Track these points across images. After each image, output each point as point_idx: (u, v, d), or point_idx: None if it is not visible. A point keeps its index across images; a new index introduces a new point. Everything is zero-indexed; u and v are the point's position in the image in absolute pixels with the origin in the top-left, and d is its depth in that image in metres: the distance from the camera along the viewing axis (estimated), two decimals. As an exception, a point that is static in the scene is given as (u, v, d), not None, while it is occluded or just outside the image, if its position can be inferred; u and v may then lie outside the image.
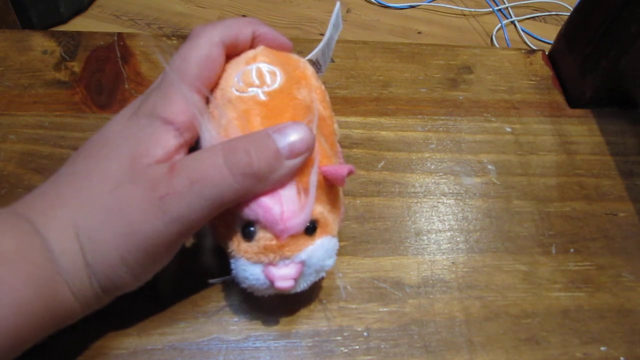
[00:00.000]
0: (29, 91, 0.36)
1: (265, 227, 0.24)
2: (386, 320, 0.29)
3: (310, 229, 0.24)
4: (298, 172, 0.24)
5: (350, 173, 0.24)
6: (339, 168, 0.24)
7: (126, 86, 0.37)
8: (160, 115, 0.24)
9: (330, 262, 0.26)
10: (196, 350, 0.27)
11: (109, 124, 0.25)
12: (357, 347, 0.27)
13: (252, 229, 0.24)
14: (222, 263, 0.30)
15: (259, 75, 0.26)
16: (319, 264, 0.25)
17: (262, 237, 0.24)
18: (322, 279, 0.27)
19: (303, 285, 0.26)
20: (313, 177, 0.24)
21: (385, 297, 0.29)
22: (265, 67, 0.27)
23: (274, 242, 0.24)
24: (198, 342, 0.27)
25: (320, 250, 0.25)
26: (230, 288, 0.29)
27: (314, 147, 0.24)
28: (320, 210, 0.25)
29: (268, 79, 0.26)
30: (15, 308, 0.20)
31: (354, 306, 0.29)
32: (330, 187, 0.26)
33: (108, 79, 0.37)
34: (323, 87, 0.29)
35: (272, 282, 0.24)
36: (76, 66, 0.38)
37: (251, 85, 0.26)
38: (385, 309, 0.29)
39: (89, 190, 0.23)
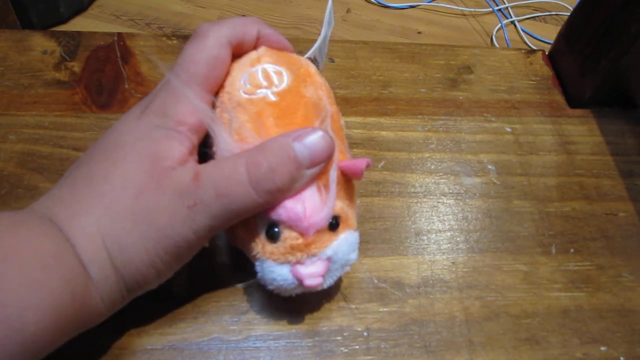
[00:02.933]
0: (29, 91, 0.36)
1: (290, 227, 0.24)
2: (386, 320, 0.29)
3: (334, 224, 0.25)
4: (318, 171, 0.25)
5: (368, 166, 0.24)
6: (357, 162, 0.24)
7: (126, 86, 0.37)
8: (172, 116, 0.24)
9: (354, 256, 0.26)
10: (196, 350, 0.27)
11: (119, 123, 0.25)
12: (357, 347, 0.27)
13: (276, 229, 0.24)
14: (222, 263, 0.30)
15: (265, 77, 0.26)
16: (344, 258, 0.25)
17: (288, 236, 0.24)
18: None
19: (329, 281, 0.26)
20: (333, 173, 0.24)
21: (385, 297, 0.29)
22: (271, 68, 0.27)
23: (300, 240, 0.24)
24: (198, 342, 0.27)
25: (345, 244, 0.25)
26: (230, 288, 0.29)
27: (334, 153, 0.24)
28: (341, 205, 0.25)
29: (275, 80, 0.26)
30: (52, 311, 0.20)
31: (354, 306, 0.29)
32: (347, 182, 0.26)
33: (108, 79, 0.37)
34: (327, 83, 0.29)
35: (300, 281, 0.24)
36: (76, 66, 0.38)
37: (259, 86, 0.26)
38: (385, 309, 0.29)
39: (112, 196, 0.23)
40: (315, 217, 0.24)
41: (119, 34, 0.40)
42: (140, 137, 0.24)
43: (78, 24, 1.05)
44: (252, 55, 0.28)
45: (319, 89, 0.28)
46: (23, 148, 0.33)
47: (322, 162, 0.24)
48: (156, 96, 0.25)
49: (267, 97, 0.26)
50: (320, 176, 0.24)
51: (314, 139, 0.23)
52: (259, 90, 0.26)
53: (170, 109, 0.24)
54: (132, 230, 0.22)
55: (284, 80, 0.26)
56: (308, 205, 0.24)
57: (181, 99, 0.24)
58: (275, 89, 0.26)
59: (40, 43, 0.39)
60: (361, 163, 0.24)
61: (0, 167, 0.32)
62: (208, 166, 0.23)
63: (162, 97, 0.25)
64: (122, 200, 0.23)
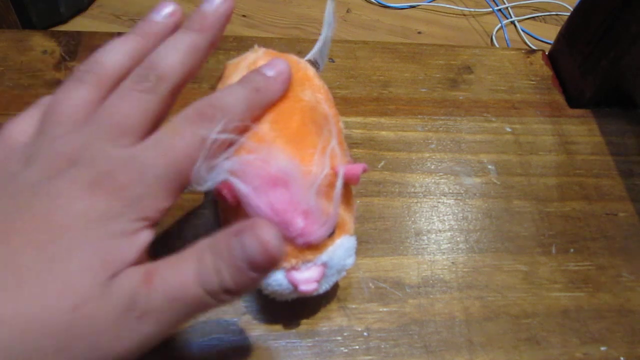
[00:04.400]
0: (29, 91, 0.36)
1: (285, 239, 0.23)
2: (386, 320, 0.29)
3: None
4: (323, 184, 0.24)
5: (364, 171, 0.24)
6: (353, 167, 0.24)
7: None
8: (141, 209, 0.20)
9: (350, 261, 0.26)
10: (196, 350, 0.27)
11: (55, 188, 0.19)
12: (357, 347, 0.27)
13: None
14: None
15: None
16: (340, 263, 0.25)
17: (283, 242, 0.23)
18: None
19: (325, 286, 0.25)
20: (337, 191, 0.24)
21: (385, 297, 0.29)
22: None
23: (294, 246, 0.23)
24: (198, 342, 0.27)
25: (341, 250, 0.25)
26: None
27: (279, 260, 0.19)
28: None
29: None
30: None
31: (354, 306, 0.29)
32: (344, 186, 0.26)
33: (108, 79, 0.37)
34: (325, 86, 0.29)
35: (295, 287, 0.24)
36: (76, 66, 0.38)
37: None
38: (385, 309, 0.29)
39: (43, 304, 0.17)
40: (313, 235, 0.23)
41: (119, 34, 0.40)
42: (91, 227, 0.19)
43: (78, 24, 1.04)
44: (250, 58, 0.28)
45: (317, 92, 0.28)
46: (23, 148, 0.33)
47: (265, 268, 0.19)
48: (120, 168, 0.20)
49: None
50: (327, 190, 0.24)
51: (253, 238, 0.19)
52: None
53: (143, 199, 0.20)
54: (61, 352, 0.17)
55: None
56: (309, 222, 0.23)
57: (158, 194, 0.20)
58: None
59: (40, 43, 0.39)
60: (357, 168, 0.24)
61: (0, 167, 0.32)
62: (161, 266, 0.19)
63: (129, 175, 0.20)
64: (56, 313, 0.17)
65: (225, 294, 0.19)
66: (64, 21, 1.05)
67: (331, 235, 0.25)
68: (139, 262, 0.19)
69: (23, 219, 0.18)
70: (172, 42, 0.23)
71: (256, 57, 0.28)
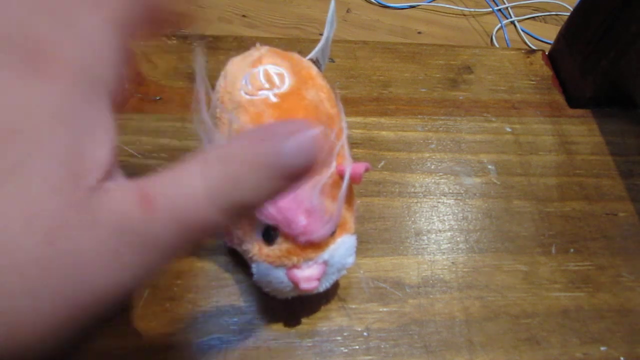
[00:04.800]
0: (29, 91, 0.36)
1: (287, 237, 0.23)
2: (386, 320, 0.29)
3: None
4: (327, 183, 0.24)
5: (367, 170, 0.24)
6: (356, 166, 0.24)
7: (126, 86, 0.37)
8: (98, 81, 0.15)
9: (351, 260, 0.26)
10: (196, 350, 0.27)
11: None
12: (357, 347, 0.27)
13: (272, 232, 0.24)
14: (224, 262, 0.30)
15: (267, 78, 0.26)
16: (341, 262, 0.25)
17: (284, 240, 0.24)
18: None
19: (325, 284, 0.26)
20: (343, 191, 0.24)
21: (385, 297, 0.29)
22: (272, 69, 0.27)
23: (296, 244, 0.24)
24: (198, 342, 0.27)
25: (342, 248, 0.25)
26: (230, 288, 0.29)
27: (316, 161, 0.17)
28: None
29: (277, 81, 0.26)
30: None
31: (354, 306, 0.29)
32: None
33: (108, 79, 0.37)
34: (328, 85, 0.29)
35: (296, 285, 0.24)
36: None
37: (261, 88, 0.26)
38: (385, 309, 0.29)
39: (3, 239, 0.13)
40: (316, 234, 0.23)
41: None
42: (42, 125, 0.13)
43: (78, 24, 1.04)
44: (254, 55, 0.28)
45: (320, 91, 0.28)
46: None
47: (308, 172, 0.16)
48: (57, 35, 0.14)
49: (269, 99, 0.26)
50: (330, 189, 0.24)
51: (301, 141, 0.15)
52: (260, 92, 0.26)
53: (95, 68, 0.15)
54: (24, 297, 0.13)
55: (285, 82, 0.26)
56: (312, 220, 0.23)
57: (105, 50, 0.15)
58: (276, 91, 0.26)
59: (40, 43, 0.39)
60: (360, 168, 0.24)
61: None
62: (158, 182, 0.15)
63: (76, 43, 0.15)
64: (22, 249, 0.13)
65: (241, 209, 0.15)
66: (64, 21, 1.05)
67: (333, 234, 0.25)
68: (112, 174, 0.15)
69: None
70: None
71: (260, 54, 0.28)
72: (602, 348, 0.29)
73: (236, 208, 0.15)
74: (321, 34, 0.31)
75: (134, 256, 0.14)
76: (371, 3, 1.15)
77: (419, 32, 1.11)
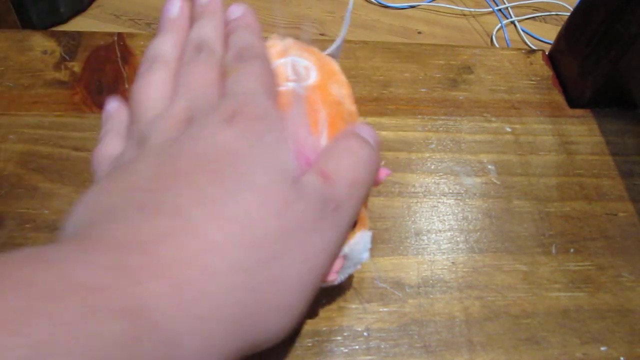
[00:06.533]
0: (29, 91, 0.36)
1: None
2: (386, 320, 0.29)
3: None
4: None
5: (386, 176, 0.25)
6: (379, 171, 0.25)
7: (126, 86, 0.37)
8: (275, 116, 0.21)
9: (366, 255, 0.26)
10: (196, 350, 0.27)
11: (194, 135, 0.20)
12: (357, 347, 0.27)
13: None
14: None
15: (294, 70, 0.26)
16: (358, 256, 0.25)
17: None
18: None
19: (341, 277, 0.26)
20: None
21: (385, 297, 0.29)
22: (299, 62, 0.27)
23: None
24: (198, 342, 0.27)
25: (360, 243, 0.25)
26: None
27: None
28: None
29: (303, 74, 0.26)
30: None
31: (354, 306, 0.29)
32: None
33: (108, 79, 0.37)
34: (348, 82, 0.29)
35: None
36: (76, 66, 0.38)
37: (287, 79, 0.26)
38: (385, 309, 0.29)
39: (247, 220, 0.18)
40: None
41: (119, 34, 0.40)
42: (250, 145, 0.19)
43: (78, 24, 1.05)
44: (279, 46, 0.27)
45: (342, 87, 0.28)
46: (23, 148, 0.33)
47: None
48: (238, 102, 0.21)
49: (296, 91, 0.25)
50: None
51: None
52: (287, 83, 0.26)
53: (272, 110, 0.21)
54: (272, 262, 0.18)
55: (311, 75, 0.26)
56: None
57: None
58: (304, 84, 0.26)
59: (40, 43, 0.39)
60: (382, 173, 0.25)
61: (0, 167, 0.32)
62: (322, 160, 0.21)
63: (256, 101, 0.21)
64: (262, 224, 0.18)
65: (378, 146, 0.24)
66: (64, 21, 1.05)
67: (353, 228, 0.25)
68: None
69: (164, 162, 0.19)
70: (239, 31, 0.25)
71: (285, 45, 0.27)
72: (602, 348, 0.29)
73: (375, 166, 0.23)
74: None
75: (336, 216, 0.20)
76: (371, 3, 1.15)
77: (419, 32, 1.11)
